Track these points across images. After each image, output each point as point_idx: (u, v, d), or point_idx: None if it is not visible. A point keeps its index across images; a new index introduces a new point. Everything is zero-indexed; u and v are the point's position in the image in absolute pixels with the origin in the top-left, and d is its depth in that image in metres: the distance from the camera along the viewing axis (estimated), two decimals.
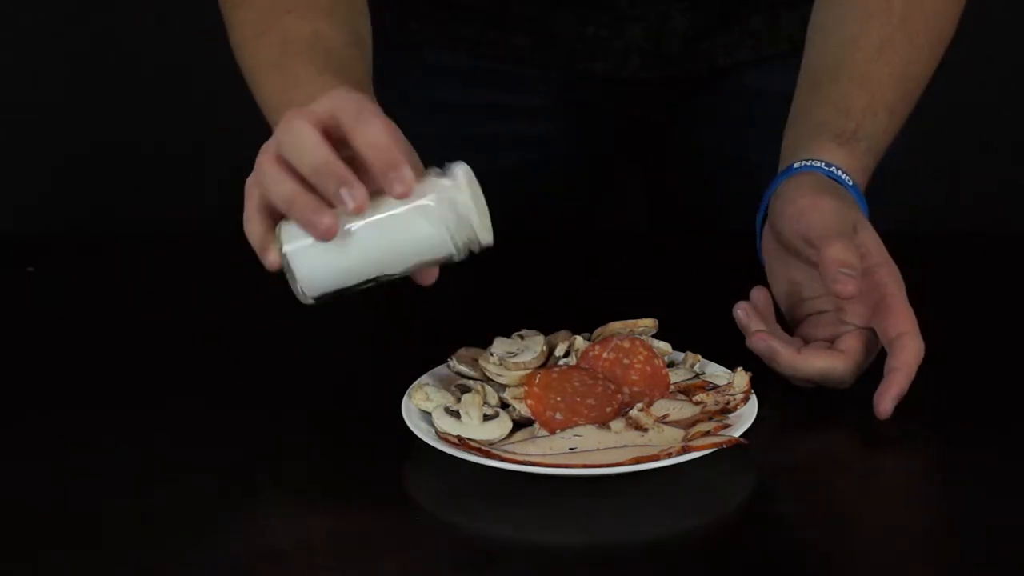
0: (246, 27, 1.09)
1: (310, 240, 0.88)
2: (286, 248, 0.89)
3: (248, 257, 0.91)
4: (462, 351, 0.98)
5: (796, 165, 1.04)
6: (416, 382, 0.95)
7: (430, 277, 0.92)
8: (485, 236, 0.89)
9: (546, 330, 0.99)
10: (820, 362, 0.97)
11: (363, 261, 0.88)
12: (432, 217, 0.87)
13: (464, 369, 0.97)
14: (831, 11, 1.14)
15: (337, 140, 0.88)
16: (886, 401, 0.94)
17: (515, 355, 0.96)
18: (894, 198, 1.27)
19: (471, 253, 0.89)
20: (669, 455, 0.87)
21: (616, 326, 1.00)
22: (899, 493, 0.91)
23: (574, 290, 1.16)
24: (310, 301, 0.90)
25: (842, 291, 0.95)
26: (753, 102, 1.33)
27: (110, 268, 1.25)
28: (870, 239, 1.00)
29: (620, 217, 1.49)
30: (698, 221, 1.38)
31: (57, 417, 0.99)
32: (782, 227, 1.02)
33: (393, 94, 1.37)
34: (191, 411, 0.99)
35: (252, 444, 0.95)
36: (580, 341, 0.98)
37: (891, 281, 0.98)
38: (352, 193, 0.86)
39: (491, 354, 0.96)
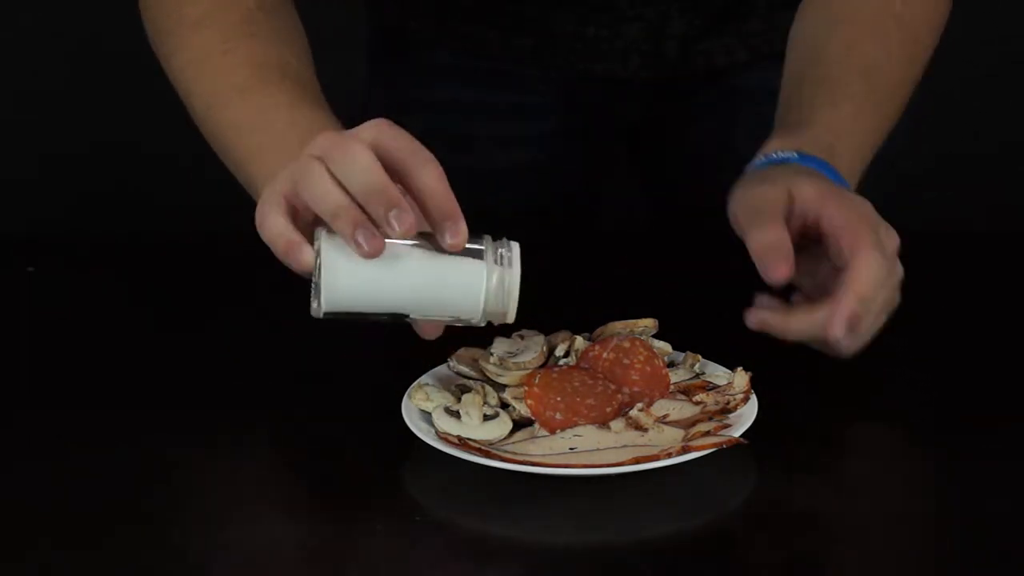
0: (207, 46, 1.07)
1: (350, 255, 0.86)
2: (324, 258, 0.87)
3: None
4: (462, 351, 0.98)
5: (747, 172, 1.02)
6: (416, 382, 0.95)
7: (434, 332, 0.92)
8: (510, 316, 0.89)
9: (546, 330, 0.99)
10: (800, 322, 0.95)
11: (393, 294, 0.87)
12: (478, 283, 0.87)
13: (464, 369, 0.97)
14: (803, 22, 1.15)
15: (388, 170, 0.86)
16: (835, 325, 0.92)
17: (515, 355, 0.96)
18: (895, 198, 1.27)
19: (488, 323, 0.90)
20: (669, 455, 0.87)
21: (616, 326, 1.00)
22: (899, 493, 0.91)
23: (574, 290, 1.16)
24: (321, 315, 0.89)
25: (772, 276, 0.93)
26: (752, 102, 1.32)
27: (110, 268, 1.24)
28: (807, 187, 0.96)
29: (620, 217, 1.49)
30: (698, 221, 1.38)
31: (57, 417, 0.99)
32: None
33: (393, 94, 1.37)
34: (191, 411, 0.99)
35: (252, 444, 0.95)
36: (580, 341, 0.98)
37: (837, 213, 0.95)
38: (401, 216, 0.84)
39: (491, 354, 0.96)
